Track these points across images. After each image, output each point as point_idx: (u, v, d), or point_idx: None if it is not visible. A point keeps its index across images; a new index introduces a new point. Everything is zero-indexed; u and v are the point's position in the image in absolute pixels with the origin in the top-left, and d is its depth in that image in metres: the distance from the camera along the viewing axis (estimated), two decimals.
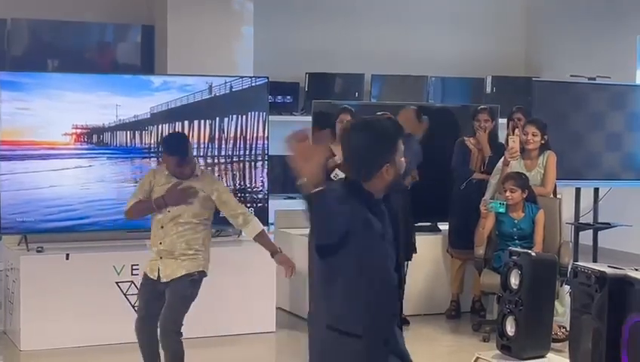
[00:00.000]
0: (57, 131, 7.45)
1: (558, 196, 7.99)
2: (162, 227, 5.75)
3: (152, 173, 5.92)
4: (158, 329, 5.74)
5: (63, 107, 7.43)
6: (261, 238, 5.92)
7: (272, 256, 5.84)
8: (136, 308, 7.35)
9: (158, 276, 5.75)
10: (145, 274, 5.88)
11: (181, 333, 5.72)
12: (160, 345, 5.77)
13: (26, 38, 9.75)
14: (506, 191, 7.34)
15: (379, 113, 8.11)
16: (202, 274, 5.87)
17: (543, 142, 7.78)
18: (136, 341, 5.91)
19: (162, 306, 5.75)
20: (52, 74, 8.25)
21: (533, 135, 7.73)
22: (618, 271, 4.83)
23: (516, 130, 8.05)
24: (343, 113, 7.96)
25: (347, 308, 3.42)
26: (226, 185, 7.95)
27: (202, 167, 6.33)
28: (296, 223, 8.05)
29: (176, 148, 5.81)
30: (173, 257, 5.73)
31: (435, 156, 8.16)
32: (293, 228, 8.07)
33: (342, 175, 7.69)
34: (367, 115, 8.28)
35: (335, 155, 7.75)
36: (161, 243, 5.76)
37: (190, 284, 5.78)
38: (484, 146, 8.26)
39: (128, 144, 7.68)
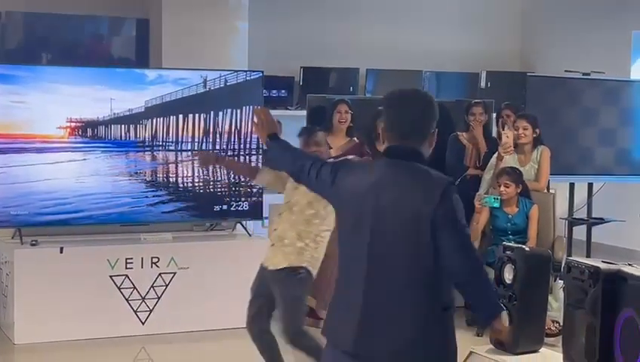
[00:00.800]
0: (52, 124, 7.43)
1: (551, 191, 8.00)
2: (280, 214, 5.66)
3: None
4: (283, 337, 5.56)
5: (57, 100, 7.42)
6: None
7: None
8: (130, 302, 7.39)
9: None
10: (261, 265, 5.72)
11: (305, 332, 5.55)
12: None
13: (20, 31, 9.72)
14: (500, 185, 7.35)
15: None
16: (307, 272, 5.57)
17: (535, 135, 7.79)
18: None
19: (266, 295, 5.60)
20: (47, 67, 8.23)
21: (524, 129, 7.75)
22: (612, 267, 4.84)
23: (506, 126, 8.07)
24: (341, 104, 8.01)
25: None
26: (220, 179, 7.96)
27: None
28: None
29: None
30: (282, 245, 5.56)
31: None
32: None
33: None
34: (363, 109, 8.34)
35: (331, 148, 7.77)
36: (275, 229, 5.66)
37: (298, 284, 5.52)
38: (480, 141, 8.26)
39: (123, 137, 7.67)
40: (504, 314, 3.65)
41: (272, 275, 5.56)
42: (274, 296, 5.56)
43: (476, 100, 8.64)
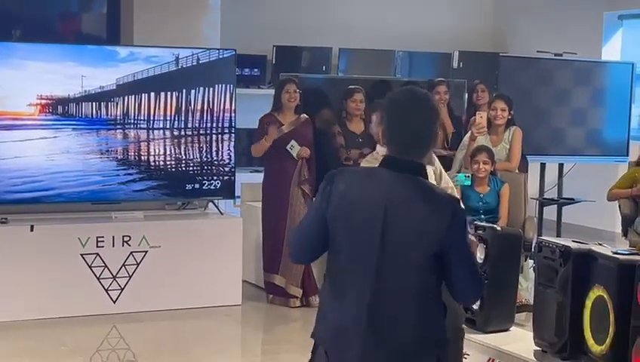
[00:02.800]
0: (22, 102, 7.37)
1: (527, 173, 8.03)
2: None
3: None
4: None
5: (27, 77, 7.35)
6: None
7: None
8: (101, 281, 7.36)
9: None
10: None
11: None
12: None
13: None
14: (478, 163, 7.33)
15: (350, 87, 8.13)
16: None
17: (509, 117, 7.82)
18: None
19: None
20: (16, 44, 8.15)
21: (502, 110, 7.75)
22: (582, 246, 4.87)
23: (484, 106, 8.08)
24: (289, 84, 7.87)
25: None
26: (192, 157, 7.93)
27: None
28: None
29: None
30: None
31: None
32: (259, 201, 8.05)
33: (297, 146, 7.68)
34: (335, 88, 8.32)
35: (283, 124, 7.76)
36: None
37: None
38: (446, 121, 8.25)
39: (94, 115, 7.61)
40: None
41: None
42: None
43: (439, 79, 8.56)
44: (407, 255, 3.29)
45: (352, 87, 8.11)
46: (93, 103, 7.60)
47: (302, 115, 7.88)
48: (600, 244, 4.92)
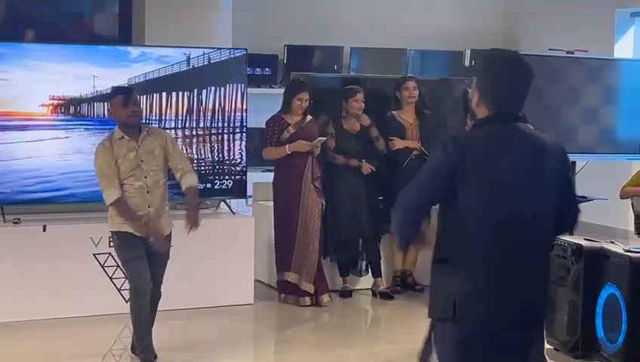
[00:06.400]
0: (34, 102, 7.39)
1: None
2: (149, 192, 5.92)
3: (106, 149, 5.95)
4: (155, 287, 6.07)
5: (40, 78, 7.38)
6: (192, 191, 6.02)
7: (187, 208, 6.02)
8: (114, 280, 7.37)
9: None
10: (131, 234, 5.94)
11: None
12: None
13: (3, 8, 9.66)
14: None
15: (351, 87, 8.12)
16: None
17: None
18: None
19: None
20: (29, 44, 8.18)
21: None
22: (594, 244, 4.87)
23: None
24: (303, 92, 7.78)
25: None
26: (203, 157, 7.95)
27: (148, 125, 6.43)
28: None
29: (119, 89, 6.23)
30: (158, 217, 6.00)
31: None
32: (271, 200, 8.05)
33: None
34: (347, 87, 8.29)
35: (290, 124, 7.77)
36: (149, 206, 5.93)
37: (169, 242, 6.15)
38: (411, 117, 8.22)
39: (106, 115, 7.61)
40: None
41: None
42: None
43: (410, 75, 8.48)
44: (543, 210, 3.55)
45: (353, 86, 8.12)
46: (105, 103, 7.60)
47: (307, 116, 7.89)
48: (612, 242, 4.92)
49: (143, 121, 6.30)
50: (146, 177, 5.90)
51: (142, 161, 5.90)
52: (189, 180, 6.00)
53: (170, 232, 6.10)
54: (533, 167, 3.48)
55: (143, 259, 5.95)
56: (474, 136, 3.57)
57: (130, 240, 5.95)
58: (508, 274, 3.43)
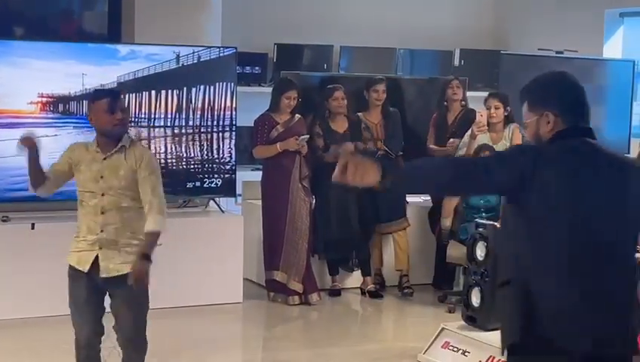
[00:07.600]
0: (23, 100, 7.38)
1: None
2: (103, 213, 4.87)
3: (73, 150, 5.12)
4: (123, 345, 5.07)
5: (28, 75, 7.36)
6: (149, 236, 4.81)
7: (137, 257, 4.77)
8: None
9: (93, 269, 4.88)
10: (74, 270, 4.94)
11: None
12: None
13: None
14: None
15: (329, 86, 8.14)
16: None
17: (506, 114, 7.82)
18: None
19: (100, 309, 5.03)
20: (18, 42, 8.15)
21: (495, 108, 7.78)
22: None
23: (457, 103, 8.18)
24: (291, 90, 7.83)
25: None
26: (193, 155, 7.93)
27: (135, 139, 5.29)
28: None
29: (103, 92, 5.72)
30: (116, 248, 4.87)
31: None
32: (260, 199, 8.05)
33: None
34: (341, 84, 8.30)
35: (278, 123, 7.78)
36: (102, 230, 4.86)
37: (144, 292, 4.92)
38: (377, 120, 8.25)
39: None
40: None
41: (108, 280, 4.91)
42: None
43: (379, 77, 8.48)
44: (626, 231, 3.38)
45: (331, 86, 8.16)
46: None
47: (296, 115, 7.89)
48: None
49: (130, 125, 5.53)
50: (103, 195, 4.84)
51: (102, 177, 4.85)
52: (151, 223, 4.78)
53: (140, 271, 4.73)
54: (616, 190, 3.35)
55: (83, 305, 4.95)
56: (553, 152, 3.44)
57: (73, 277, 4.95)
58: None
